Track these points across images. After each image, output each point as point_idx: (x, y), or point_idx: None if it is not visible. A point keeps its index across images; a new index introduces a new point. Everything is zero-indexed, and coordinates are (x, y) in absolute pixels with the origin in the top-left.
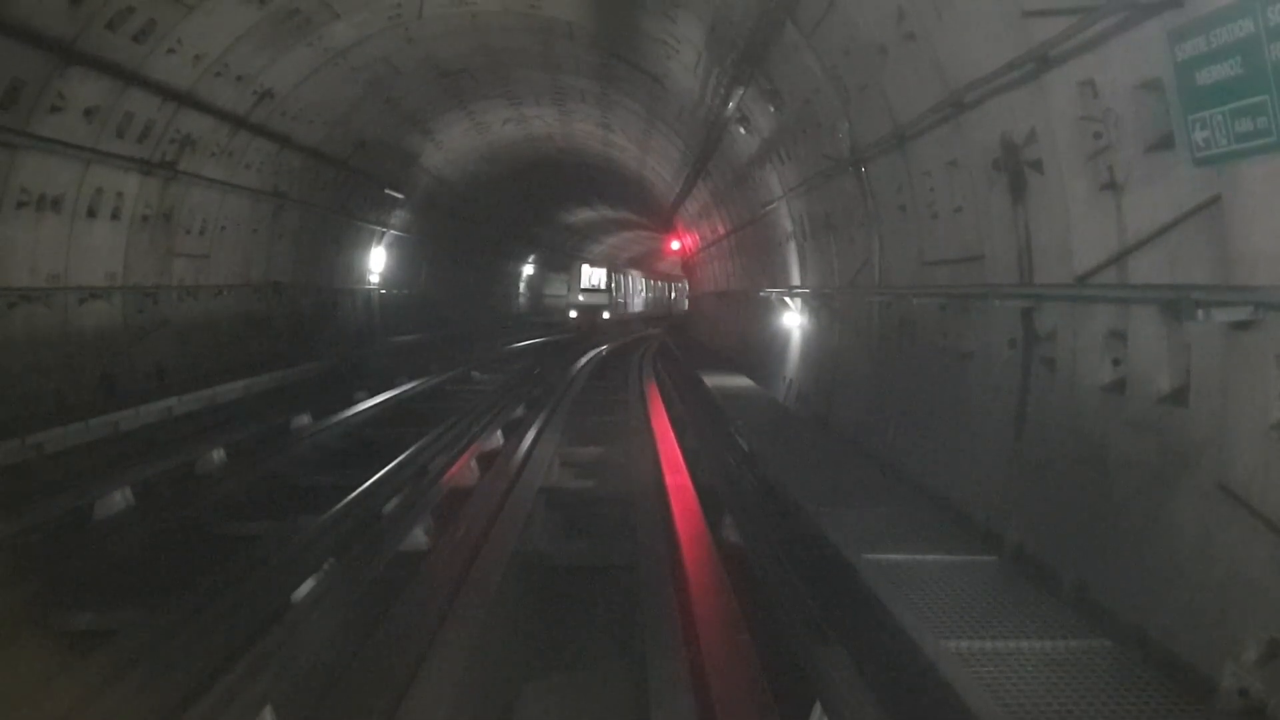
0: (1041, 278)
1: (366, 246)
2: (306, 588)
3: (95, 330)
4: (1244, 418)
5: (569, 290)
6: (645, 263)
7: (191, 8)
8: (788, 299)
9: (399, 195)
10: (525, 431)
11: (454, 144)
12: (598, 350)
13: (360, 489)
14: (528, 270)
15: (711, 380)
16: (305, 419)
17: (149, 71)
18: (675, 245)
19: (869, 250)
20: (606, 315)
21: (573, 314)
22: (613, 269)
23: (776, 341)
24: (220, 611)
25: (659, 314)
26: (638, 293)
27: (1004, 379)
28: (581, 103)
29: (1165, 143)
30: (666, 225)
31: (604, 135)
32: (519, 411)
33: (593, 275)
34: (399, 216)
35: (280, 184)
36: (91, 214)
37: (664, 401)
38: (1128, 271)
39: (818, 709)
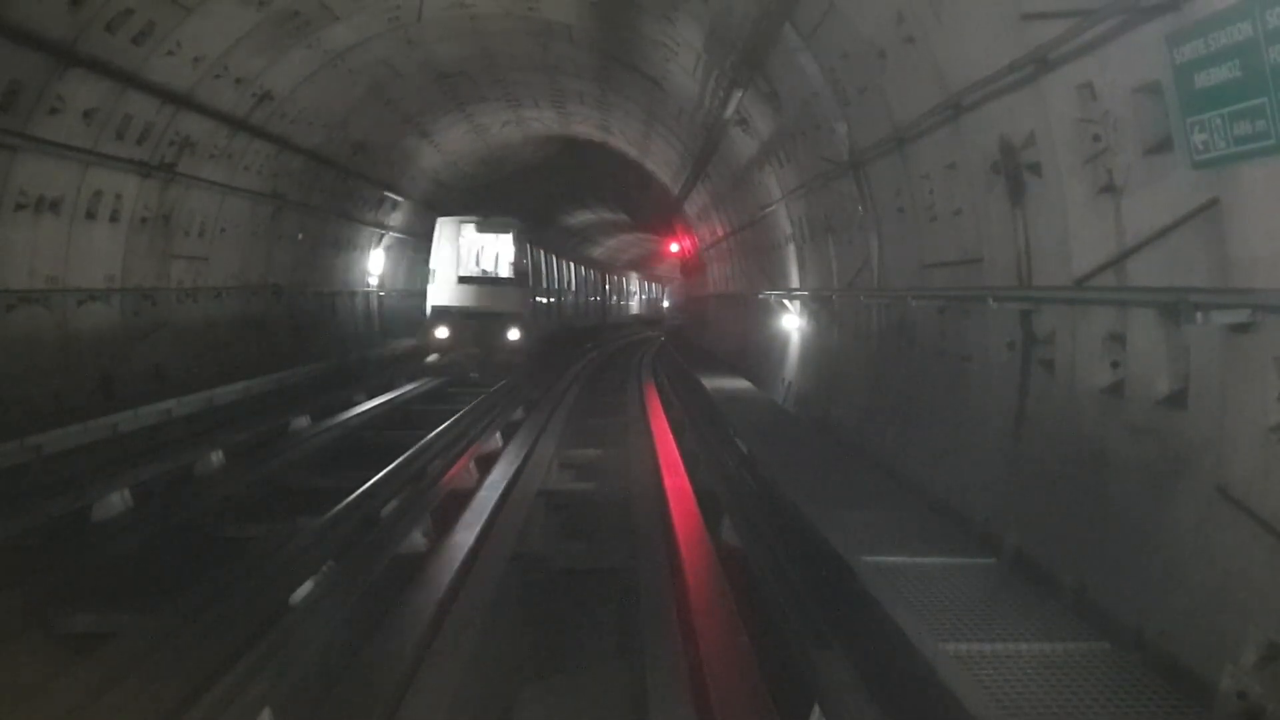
0: (1040, 280)
1: (365, 249)
2: (305, 590)
3: (94, 332)
4: (1243, 420)
5: (435, 278)
6: (644, 264)
7: (190, 10)
8: (787, 301)
9: (398, 198)
10: (524, 435)
11: (453, 146)
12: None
13: (358, 491)
14: None
15: (710, 382)
16: (304, 421)
17: (148, 73)
18: (674, 248)
19: (868, 252)
20: (516, 336)
21: (440, 332)
22: (533, 243)
23: (775, 344)
24: (219, 613)
25: (656, 317)
26: (621, 294)
27: (1003, 381)
28: (580, 105)
29: (1164, 145)
30: (665, 228)
31: (603, 138)
32: (518, 414)
33: (483, 249)
34: (398, 219)
35: (279, 186)
36: (90, 216)
37: (663, 404)
38: (1126, 274)
39: (816, 712)
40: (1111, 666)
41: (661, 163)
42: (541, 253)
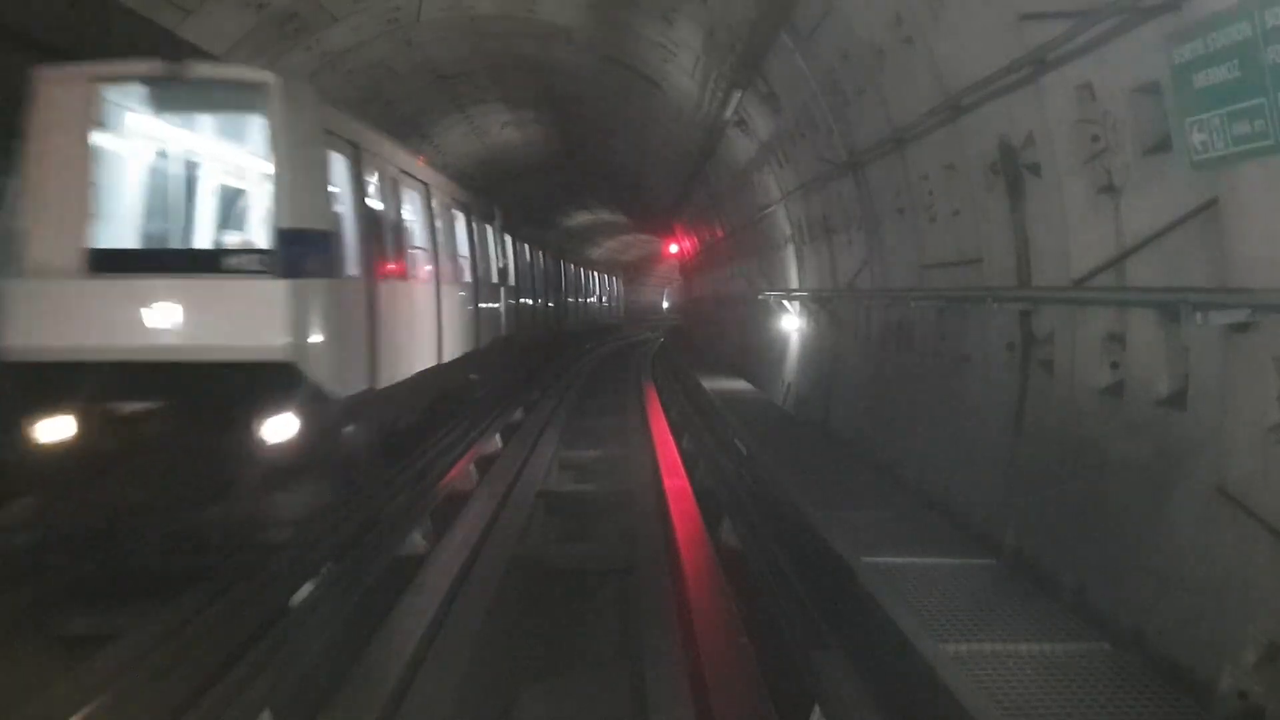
0: (1039, 280)
1: None
2: (305, 590)
3: None
4: (1242, 420)
5: (20, 265)
6: (643, 265)
7: (189, 12)
8: (786, 302)
9: None
10: (525, 436)
11: (452, 148)
12: None
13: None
14: None
15: (710, 383)
16: None
17: None
18: (673, 249)
19: (867, 253)
20: (292, 432)
21: (45, 433)
22: (366, 150)
23: (775, 345)
24: (220, 613)
25: (655, 319)
26: (603, 295)
27: (1002, 381)
28: (579, 106)
29: (1163, 146)
30: (665, 229)
31: (603, 139)
32: (517, 414)
33: (190, 174)
34: None
35: None
36: None
37: (662, 405)
38: (1126, 274)
39: (816, 712)
40: (1111, 666)
41: (661, 163)
42: (422, 190)
